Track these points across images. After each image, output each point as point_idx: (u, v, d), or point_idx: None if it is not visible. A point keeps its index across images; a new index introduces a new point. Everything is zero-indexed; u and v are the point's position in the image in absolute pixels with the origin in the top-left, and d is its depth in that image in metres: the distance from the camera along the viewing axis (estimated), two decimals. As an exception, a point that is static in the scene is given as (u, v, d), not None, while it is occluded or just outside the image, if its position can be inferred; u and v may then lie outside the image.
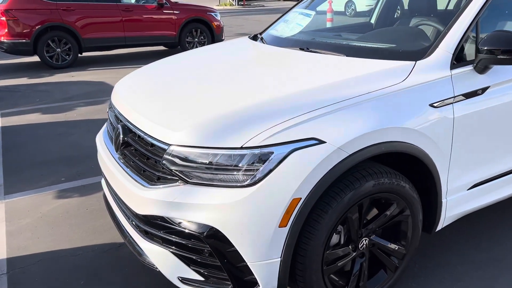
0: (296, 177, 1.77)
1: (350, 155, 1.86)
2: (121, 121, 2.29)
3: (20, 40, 8.40)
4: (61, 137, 4.82)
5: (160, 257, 1.97)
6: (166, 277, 1.99)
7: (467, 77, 2.21)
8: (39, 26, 8.42)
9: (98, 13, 8.94)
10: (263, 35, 3.19)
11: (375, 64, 2.21)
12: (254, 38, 3.17)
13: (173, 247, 1.92)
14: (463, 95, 2.17)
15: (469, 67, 2.22)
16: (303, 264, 1.93)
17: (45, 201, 3.37)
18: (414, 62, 2.16)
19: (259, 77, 2.39)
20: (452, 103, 2.14)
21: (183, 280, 1.95)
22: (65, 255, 2.70)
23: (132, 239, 2.13)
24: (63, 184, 3.66)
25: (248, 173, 1.77)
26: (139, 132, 2.08)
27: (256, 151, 1.77)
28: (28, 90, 7.08)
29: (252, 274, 1.85)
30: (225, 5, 26.18)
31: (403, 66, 2.14)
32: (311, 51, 2.56)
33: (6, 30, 8.34)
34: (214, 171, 1.80)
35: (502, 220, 3.01)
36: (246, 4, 27.16)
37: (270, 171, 1.76)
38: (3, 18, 8.30)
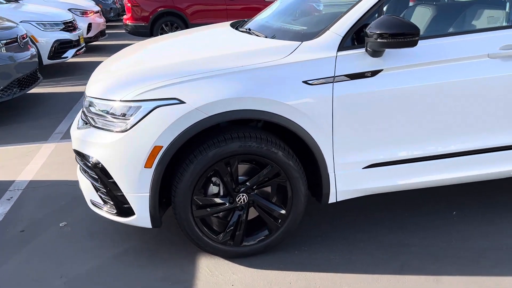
0: (157, 129, 2.21)
1: (209, 116, 2.21)
2: None
3: (140, 24, 9.89)
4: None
5: (83, 184, 2.59)
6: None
7: (356, 59, 2.32)
8: (156, 12, 9.78)
9: (206, 1, 9.97)
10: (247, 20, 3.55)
11: (269, 43, 2.48)
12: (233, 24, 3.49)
13: (88, 177, 2.52)
14: (346, 75, 2.30)
15: (361, 50, 2.32)
16: (174, 202, 2.36)
17: (81, 147, 4.28)
18: (300, 42, 2.36)
19: (178, 51, 2.83)
20: (332, 82, 2.29)
21: (92, 202, 2.54)
22: (69, 185, 3.51)
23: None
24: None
25: (122, 121, 2.26)
26: None
27: (130, 104, 2.25)
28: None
29: (129, 203, 2.35)
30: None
31: (288, 45, 2.37)
32: (248, 32, 2.88)
33: (130, 15, 9.89)
34: (101, 117, 2.34)
35: (419, 208, 3.01)
36: None
37: (138, 121, 2.22)
38: (129, 4, 9.86)
